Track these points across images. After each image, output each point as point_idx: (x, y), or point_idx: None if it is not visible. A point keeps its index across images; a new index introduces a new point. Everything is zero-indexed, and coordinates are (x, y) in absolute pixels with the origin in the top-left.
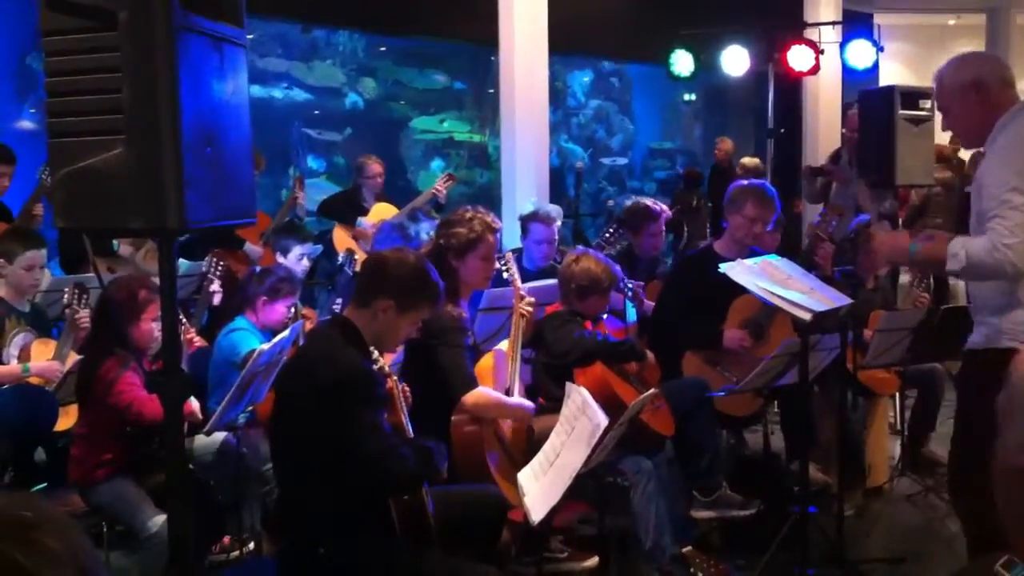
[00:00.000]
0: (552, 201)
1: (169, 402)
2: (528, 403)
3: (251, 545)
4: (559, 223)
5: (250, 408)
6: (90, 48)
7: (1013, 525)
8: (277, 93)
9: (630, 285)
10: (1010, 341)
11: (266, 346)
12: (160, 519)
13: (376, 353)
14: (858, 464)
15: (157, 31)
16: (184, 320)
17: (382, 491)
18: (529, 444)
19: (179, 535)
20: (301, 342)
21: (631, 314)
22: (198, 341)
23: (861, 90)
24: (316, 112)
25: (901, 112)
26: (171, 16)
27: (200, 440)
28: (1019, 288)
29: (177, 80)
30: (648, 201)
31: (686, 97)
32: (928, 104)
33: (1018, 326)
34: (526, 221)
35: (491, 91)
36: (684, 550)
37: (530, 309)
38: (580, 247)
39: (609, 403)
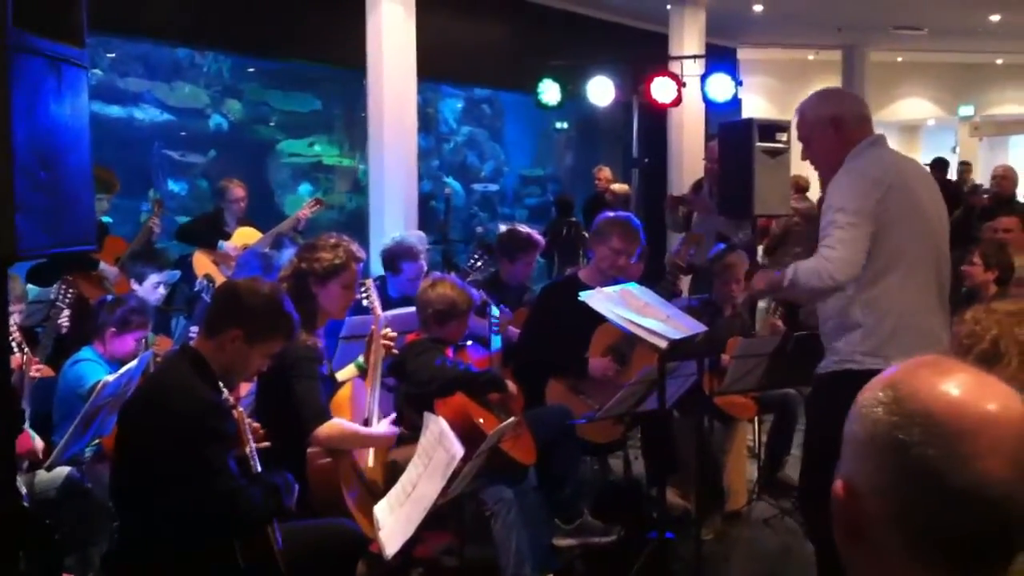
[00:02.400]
0: (422, 227)
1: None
2: (387, 431)
3: None
4: (425, 249)
5: (96, 441)
6: None
7: (842, 549)
8: (138, 113)
9: (496, 313)
10: (848, 364)
11: (111, 377)
12: None
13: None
14: (717, 489)
15: None
16: (27, 349)
17: (228, 530)
18: (389, 475)
19: None
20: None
21: (495, 342)
22: (41, 370)
23: (721, 122)
24: (182, 133)
25: (759, 144)
26: (3, 35)
27: (41, 476)
28: (853, 310)
29: (9, 101)
30: (525, 229)
31: (558, 125)
32: (784, 136)
33: (852, 347)
34: (396, 260)
35: (362, 115)
36: None
37: (390, 343)
38: (436, 273)
39: (470, 433)
